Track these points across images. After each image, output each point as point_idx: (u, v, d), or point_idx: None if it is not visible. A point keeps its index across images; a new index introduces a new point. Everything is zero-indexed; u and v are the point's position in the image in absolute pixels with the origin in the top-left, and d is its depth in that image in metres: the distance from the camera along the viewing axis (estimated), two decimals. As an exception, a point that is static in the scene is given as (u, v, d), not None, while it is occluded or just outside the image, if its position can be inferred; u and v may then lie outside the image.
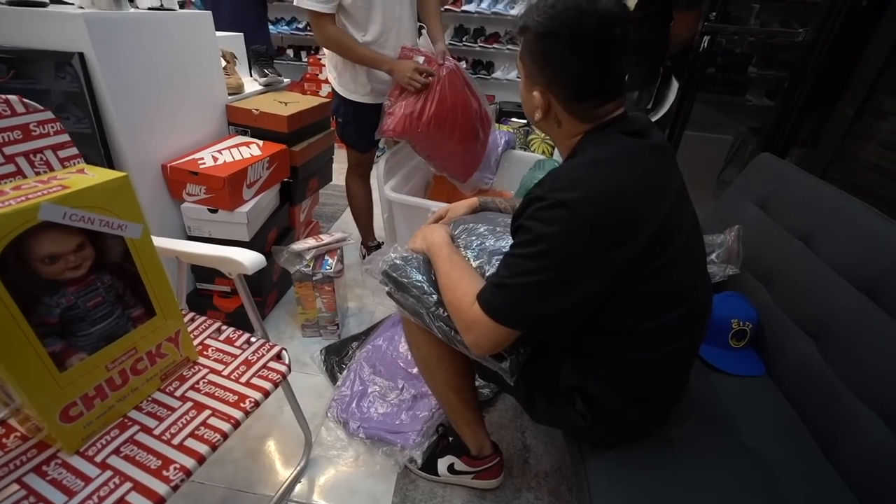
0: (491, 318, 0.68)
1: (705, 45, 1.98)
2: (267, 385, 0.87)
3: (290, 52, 3.60)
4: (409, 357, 1.45)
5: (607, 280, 0.65)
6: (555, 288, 0.65)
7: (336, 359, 1.48)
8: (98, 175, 0.73)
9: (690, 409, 0.91)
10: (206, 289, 1.51)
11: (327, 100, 1.78)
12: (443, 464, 1.09)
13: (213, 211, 1.38)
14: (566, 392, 0.78)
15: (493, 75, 3.49)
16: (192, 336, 0.97)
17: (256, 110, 1.56)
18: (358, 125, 1.63)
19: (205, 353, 0.95)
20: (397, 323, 1.60)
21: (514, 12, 3.22)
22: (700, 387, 0.97)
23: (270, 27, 3.44)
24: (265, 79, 1.82)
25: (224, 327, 1.02)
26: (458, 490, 1.11)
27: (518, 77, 3.38)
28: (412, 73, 1.44)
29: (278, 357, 0.94)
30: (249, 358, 0.93)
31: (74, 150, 0.92)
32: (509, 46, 3.35)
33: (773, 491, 0.78)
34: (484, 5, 3.23)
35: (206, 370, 0.90)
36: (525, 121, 3.14)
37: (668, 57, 1.89)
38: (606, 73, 0.67)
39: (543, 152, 3.01)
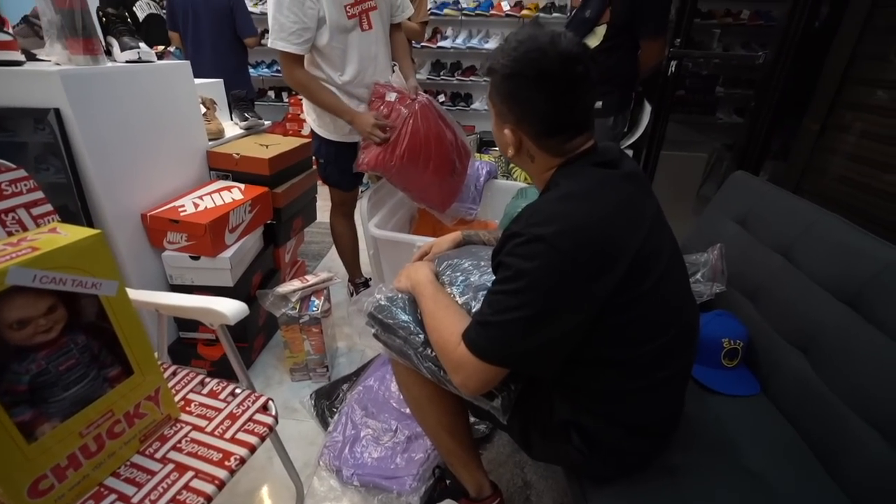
0: (477, 357, 0.67)
1: (672, 69, 2.06)
2: (253, 440, 0.84)
3: (271, 93, 3.66)
4: (402, 396, 1.41)
5: (590, 312, 0.65)
6: (538, 323, 0.64)
7: (326, 402, 1.44)
8: (71, 234, 0.71)
9: (690, 434, 0.89)
10: (189, 337, 1.47)
11: (308, 140, 1.79)
12: (441, 509, 1.05)
13: (195, 258, 1.36)
14: (561, 427, 0.76)
15: (472, 106, 3.57)
16: (173, 391, 0.94)
17: (237, 154, 1.56)
18: (339, 165, 1.65)
19: (187, 408, 0.92)
20: (388, 362, 1.56)
21: (488, 46, 3.33)
22: (697, 410, 0.96)
23: (252, 70, 3.52)
24: (246, 122, 1.84)
25: (207, 379, 0.98)
26: (458, 536, 1.06)
27: (496, 107, 3.48)
28: (372, 128, 1.46)
29: (265, 408, 0.91)
30: (234, 411, 0.90)
31: (48, 207, 0.91)
32: (486, 78, 3.44)
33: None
34: (459, 41, 3.34)
35: (188, 427, 0.87)
36: (506, 149, 3.20)
37: (638, 83, 1.96)
38: (572, 109, 0.69)
39: (525, 180, 3.06)
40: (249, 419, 0.88)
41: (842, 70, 1.38)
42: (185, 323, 1.44)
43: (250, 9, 3.16)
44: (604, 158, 0.72)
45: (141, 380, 0.81)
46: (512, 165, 3.11)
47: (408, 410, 1.37)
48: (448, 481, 1.08)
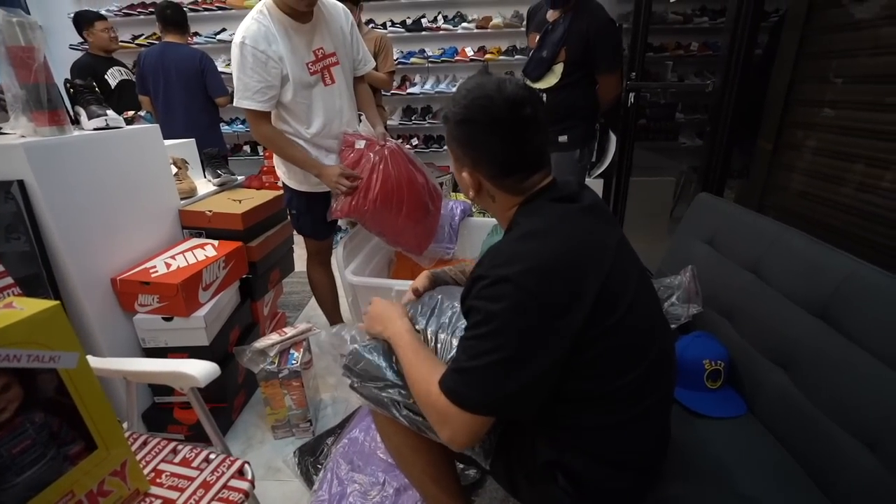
0: (458, 406, 0.66)
1: (632, 100, 2.16)
2: (227, 510, 0.79)
3: (247, 148, 3.71)
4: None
5: (563, 347, 0.64)
6: (514, 365, 0.64)
7: (311, 459, 1.38)
8: (27, 307, 0.69)
9: (680, 462, 0.87)
10: (164, 402, 1.41)
11: (282, 192, 1.81)
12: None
13: (168, 319, 1.32)
14: (545, 468, 0.73)
15: (445, 148, 3.66)
16: (143, 462, 0.89)
17: (209, 211, 1.56)
18: (312, 215, 1.66)
19: (157, 480, 0.86)
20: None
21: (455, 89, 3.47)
22: (684, 435, 0.94)
23: (226, 127, 3.58)
24: (219, 179, 1.85)
25: (180, 447, 0.94)
26: None
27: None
28: (338, 179, 1.49)
29: (240, 473, 0.87)
30: (208, 479, 0.85)
31: (8, 280, 0.89)
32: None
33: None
34: (427, 86, 3.47)
35: (159, 501, 0.82)
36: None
37: (600, 115, 2.05)
38: (524, 149, 0.71)
39: (503, 213, 3.12)
40: (224, 486, 0.83)
41: (784, 93, 1.47)
42: (160, 387, 1.39)
43: (221, 69, 3.25)
44: (562, 193, 0.74)
45: (105, 455, 0.77)
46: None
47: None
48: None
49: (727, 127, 1.65)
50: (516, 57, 3.36)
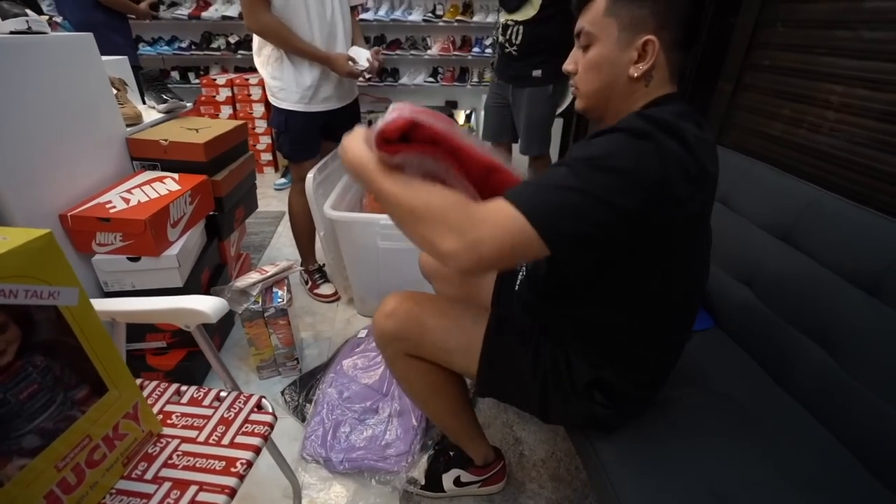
0: (517, 208, 0.56)
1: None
2: (255, 441, 0.78)
3: (175, 74, 3.27)
4: (377, 377, 1.40)
5: (661, 218, 0.59)
6: (601, 208, 0.56)
7: (302, 394, 1.38)
8: (12, 237, 0.60)
9: (668, 370, 0.98)
10: (135, 349, 1.32)
11: (242, 122, 1.65)
12: (448, 479, 1.06)
13: (135, 259, 1.20)
14: (584, 388, 0.78)
15: (400, 81, 3.49)
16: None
17: (165, 140, 1.39)
18: (290, 135, 1.59)
19: (168, 421, 0.83)
20: (358, 345, 1.53)
21: (412, 18, 3.25)
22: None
23: (148, 48, 3.12)
24: (165, 105, 1.63)
25: (184, 388, 0.89)
26: (466, 500, 1.09)
27: (430, 79, 3.33)
28: (349, 67, 1.49)
29: (259, 407, 0.85)
30: (225, 415, 0.83)
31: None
32: (412, 52, 3.37)
33: (750, 426, 0.87)
34: (382, 13, 3.21)
35: (176, 440, 0.79)
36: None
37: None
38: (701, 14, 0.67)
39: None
40: (246, 420, 0.82)
41: (749, 36, 1.54)
42: (130, 332, 1.28)
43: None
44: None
45: (117, 397, 0.72)
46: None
47: (386, 388, 1.36)
48: (451, 452, 1.10)
49: (695, 67, 1.72)
50: (477, -16, 3.18)
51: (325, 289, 1.86)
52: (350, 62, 1.50)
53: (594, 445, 0.86)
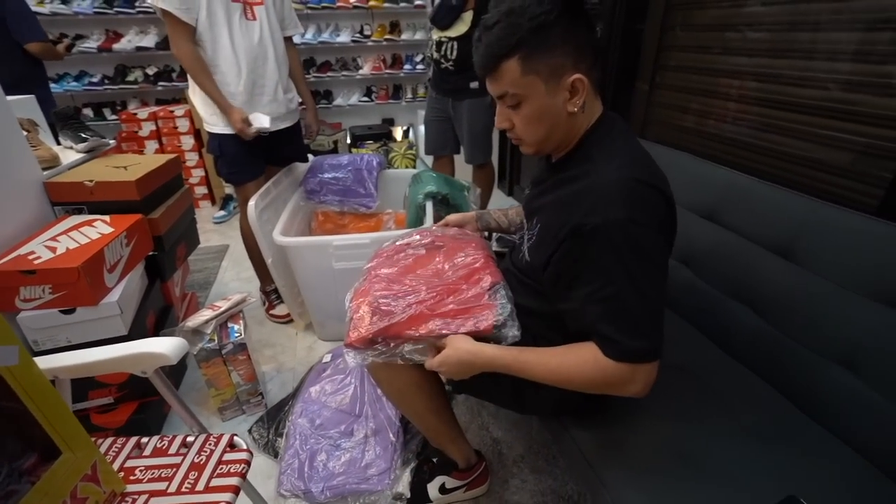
0: (645, 363, 0.68)
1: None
2: (233, 481, 0.75)
3: (87, 111, 3.05)
4: (348, 400, 1.37)
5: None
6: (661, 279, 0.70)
7: (272, 429, 1.32)
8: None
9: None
10: (78, 409, 1.21)
11: (174, 155, 1.58)
12: (433, 487, 1.06)
13: (69, 311, 1.11)
14: None
15: (335, 103, 3.47)
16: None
17: (90, 181, 1.30)
18: (226, 158, 1.58)
19: (131, 478, 0.77)
20: (324, 370, 1.49)
21: (340, 39, 3.25)
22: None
23: (54, 86, 2.89)
24: (85, 144, 1.52)
25: (144, 440, 0.84)
26: (453, 507, 1.10)
27: (369, 101, 3.34)
28: (242, 125, 1.48)
29: (231, 446, 0.82)
30: (196, 460, 0.79)
31: None
32: (344, 73, 3.37)
33: (704, 389, 0.95)
34: (309, 36, 3.19)
35: (144, 496, 0.74)
36: (379, 142, 3.19)
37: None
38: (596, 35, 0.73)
39: (406, 166, 3.12)
40: (219, 462, 0.78)
41: (657, 40, 1.71)
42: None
43: (34, 7, 2.58)
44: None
45: (72, 459, 0.66)
46: (391, 155, 3.13)
47: (358, 408, 1.34)
48: (434, 459, 1.10)
49: (614, 70, 1.86)
50: (401, 4, 3.25)
51: (281, 309, 1.83)
52: (245, 122, 1.49)
53: (569, 432, 0.90)
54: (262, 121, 1.53)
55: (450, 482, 1.06)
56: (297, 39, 3.15)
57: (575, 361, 0.71)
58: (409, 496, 1.08)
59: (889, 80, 1.00)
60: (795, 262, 0.96)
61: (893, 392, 0.78)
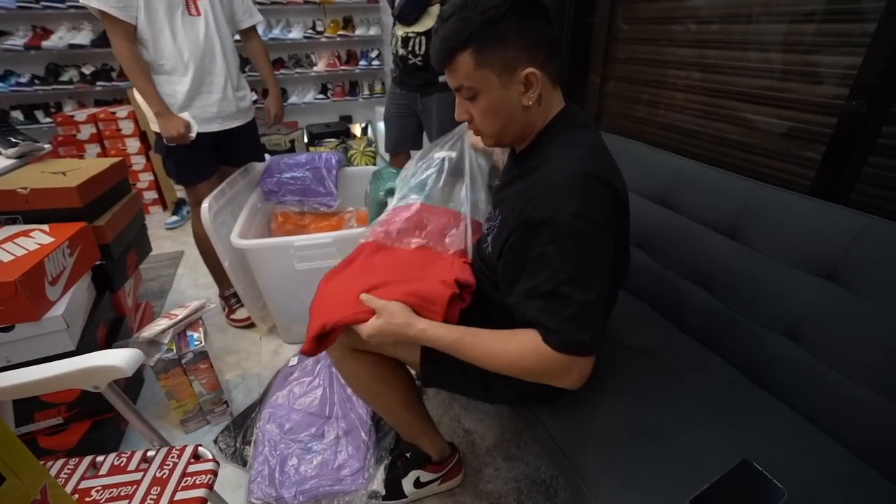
0: (583, 355, 0.68)
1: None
2: (199, 493, 0.73)
3: (17, 114, 2.82)
4: (318, 402, 1.35)
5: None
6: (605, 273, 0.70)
7: (239, 437, 1.29)
8: None
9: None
10: (24, 433, 1.13)
11: (118, 159, 1.49)
12: (408, 482, 1.06)
13: (7, 329, 1.04)
14: None
15: (290, 101, 3.38)
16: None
17: (24, 189, 1.21)
18: (174, 159, 1.52)
19: (86, 499, 0.73)
20: (291, 373, 1.46)
21: (292, 36, 3.16)
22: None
23: (-24, 88, 2.67)
24: (16, 149, 1.41)
25: (100, 458, 0.80)
26: (429, 501, 1.10)
27: (327, 98, 3.28)
28: (175, 134, 1.42)
29: (196, 457, 0.79)
30: (158, 475, 0.76)
31: None
32: (298, 70, 3.28)
33: (663, 367, 1.00)
34: (259, 31, 3.08)
35: (102, 517, 0.70)
36: (338, 140, 3.14)
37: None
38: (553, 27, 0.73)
39: (366, 163, 3.08)
40: (184, 474, 0.75)
41: (605, 32, 1.76)
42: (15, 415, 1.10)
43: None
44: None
45: (19, 485, 0.62)
46: (351, 153, 3.08)
47: (328, 410, 1.32)
48: (408, 454, 1.10)
49: (566, 62, 1.91)
50: (354, 0, 3.20)
51: (241, 313, 1.78)
52: (186, 128, 1.44)
53: (539, 418, 0.92)
54: (193, 125, 1.48)
55: (424, 476, 1.07)
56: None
57: (517, 348, 0.71)
58: (384, 493, 1.08)
59: (815, 68, 1.07)
60: (740, 241, 1.02)
61: (834, 360, 0.84)
